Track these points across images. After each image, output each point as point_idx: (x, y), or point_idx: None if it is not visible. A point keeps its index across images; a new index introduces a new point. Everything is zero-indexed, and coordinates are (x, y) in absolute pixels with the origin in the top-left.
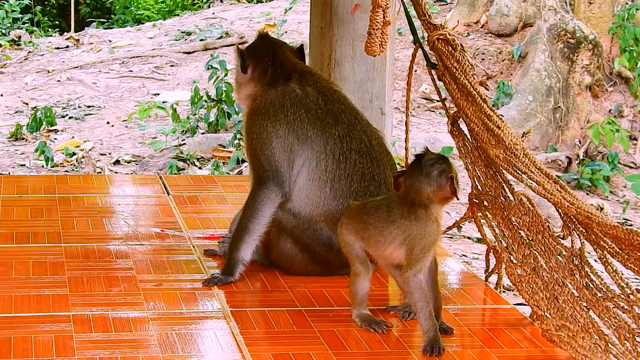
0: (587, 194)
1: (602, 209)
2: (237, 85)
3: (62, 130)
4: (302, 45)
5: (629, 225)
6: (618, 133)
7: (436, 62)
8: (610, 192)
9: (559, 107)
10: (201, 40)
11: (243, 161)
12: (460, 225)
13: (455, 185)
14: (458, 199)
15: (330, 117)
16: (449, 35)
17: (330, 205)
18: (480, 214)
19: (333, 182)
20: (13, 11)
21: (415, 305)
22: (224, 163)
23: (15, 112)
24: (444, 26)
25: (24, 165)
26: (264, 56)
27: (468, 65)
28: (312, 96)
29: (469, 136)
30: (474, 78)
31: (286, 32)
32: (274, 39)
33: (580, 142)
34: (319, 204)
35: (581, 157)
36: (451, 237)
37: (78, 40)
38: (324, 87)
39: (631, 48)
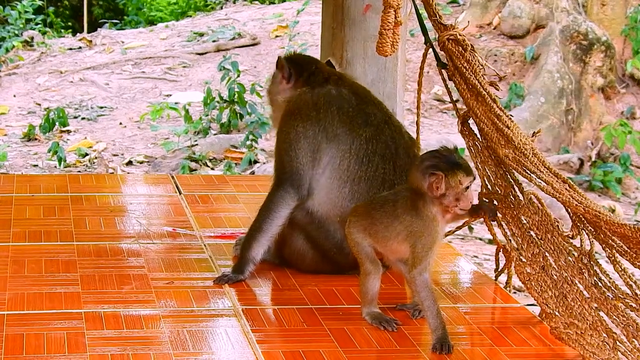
0: (599, 196)
1: (614, 210)
2: (273, 95)
3: (74, 131)
4: (329, 60)
5: None
6: (630, 135)
7: (447, 62)
8: (622, 193)
9: (571, 108)
10: (214, 41)
11: (255, 162)
12: (472, 226)
13: (438, 183)
14: (436, 197)
15: (361, 117)
16: (459, 35)
17: (347, 207)
18: None
19: (353, 183)
20: (26, 12)
21: (422, 303)
22: (236, 164)
23: (28, 113)
24: (454, 26)
25: (37, 165)
26: (307, 64)
27: (478, 66)
28: (346, 95)
29: (479, 136)
30: (484, 78)
31: (298, 33)
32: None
33: (592, 143)
34: (337, 204)
35: (593, 159)
36: (463, 238)
37: (91, 41)
38: (359, 89)
39: None
